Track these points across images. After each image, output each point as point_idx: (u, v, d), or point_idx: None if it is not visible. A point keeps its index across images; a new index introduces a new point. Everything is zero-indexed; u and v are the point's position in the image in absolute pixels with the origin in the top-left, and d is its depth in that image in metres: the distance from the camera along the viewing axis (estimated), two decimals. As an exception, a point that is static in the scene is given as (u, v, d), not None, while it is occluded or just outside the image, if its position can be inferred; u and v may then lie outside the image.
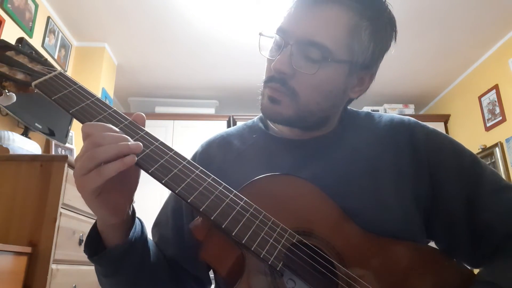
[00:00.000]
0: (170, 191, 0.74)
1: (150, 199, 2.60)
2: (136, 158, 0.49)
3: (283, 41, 0.62)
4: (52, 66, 0.61)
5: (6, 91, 0.60)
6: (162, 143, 0.54)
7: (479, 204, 0.62)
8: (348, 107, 0.75)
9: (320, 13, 0.61)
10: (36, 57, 0.61)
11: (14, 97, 0.62)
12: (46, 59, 0.62)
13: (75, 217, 1.70)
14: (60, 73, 0.59)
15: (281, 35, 0.63)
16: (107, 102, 3.37)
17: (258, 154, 0.69)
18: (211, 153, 0.73)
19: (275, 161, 0.66)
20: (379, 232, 0.58)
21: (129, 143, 0.49)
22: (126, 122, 0.55)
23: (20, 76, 0.58)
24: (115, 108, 0.57)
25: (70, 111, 0.54)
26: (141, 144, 0.50)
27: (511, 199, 0.62)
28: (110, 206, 0.52)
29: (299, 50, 0.61)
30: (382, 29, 0.65)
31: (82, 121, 0.53)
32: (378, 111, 3.94)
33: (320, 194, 0.59)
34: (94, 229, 0.57)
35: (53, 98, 0.54)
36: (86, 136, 0.49)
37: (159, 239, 0.72)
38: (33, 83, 0.56)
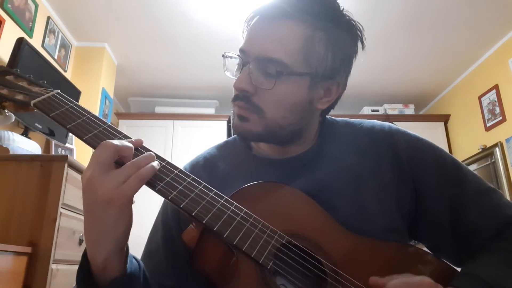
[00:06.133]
0: (157, 215, 0.75)
1: (151, 202, 2.60)
2: None
3: (242, 61, 0.64)
4: (49, 87, 0.64)
5: (6, 111, 0.63)
6: (154, 154, 0.57)
7: (463, 207, 0.64)
8: (327, 117, 0.75)
9: (274, 30, 0.63)
10: (34, 80, 0.65)
11: (12, 117, 0.66)
12: (44, 81, 0.66)
13: (75, 217, 1.70)
14: (58, 93, 0.62)
15: (241, 55, 0.65)
16: (107, 102, 3.35)
17: (242, 176, 0.69)
18: (195, 174, 0.71)
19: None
20: None
21: (148, 154, 0.55)
22: (120, 136, 0.58)
23: (19, 96, 0.61)
24: (109, 123, 0.60)
25: (67, 127, 0.57)
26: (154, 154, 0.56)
27: (493, 201, 0.64)
28: (131, 219, 0.52)
29: (257, 67, 0.62)
30: (339, 38, 0.65)
31: (78, 136, 0.57)
32: (378, 111, 3.95)
33: (306, 199, 0.61)
34: (84, 269, 0.53)
35: (51, 115, 0.58)
36: (117, 152, 0.51)
37: (152, 271, 0.68)
38: (32, 102, 0.60)
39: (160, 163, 0.56)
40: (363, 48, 0.68)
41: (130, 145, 0.54)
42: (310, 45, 0.62)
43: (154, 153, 0.57)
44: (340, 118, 0.77)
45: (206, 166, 0.73)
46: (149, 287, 0.61)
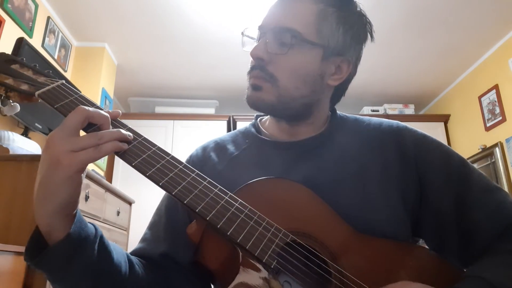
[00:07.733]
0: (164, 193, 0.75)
1: (151, 202, 2.60)
2: (128, 147, 0.54)
3: (260, 33, 0.70)
4: (55, 77, 0.63)
5: (11, 101, 0.62)
6: (159, 148, 0.57)
7: (468, 205, 0.64)
8: (338, 112, 0.77)
9: (289, 6, 0.68)
10: (40, 69, 0.64)
11: (18, 107, 0.64)
12: (49, 71, 0.65)
13: (75, 217, 1.70)
14: (63, 83, 0.61)
15: (259, 29, 0.70)
16: (107, 102, 3.35)
17: (250, 158, 0.71)
18: (205, 156, 0.75)
19: (266, 164, 0.69)
20: (368, 233, 0.60)
21: (125, 132, 0.55)
22: (125, 129, 0.57)
23: (24, 87, 0.60)
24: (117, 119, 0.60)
25: None
26: (131, 134, 0.56)
27: (499, 200, 0.64)
28: (78, 188, 0.52)
29: (273, 37, 0.67)
30: (350, 15, 0.70)
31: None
32: (378, 111, 3.95)
33: (313, 196, 0.60)
34: (36, 234, 0.52)
35: (55, 107, 0.57)
36: (87, 117, 0.53)
37: (150, 240, 0.70)
38: (37, 93, 0.59)
39: (165, 158, 0.56)
40: (371, 39, 0.73)
41: (105, 113, 0.55)
42: (322, 18, 0.67)
43: (157, 147, 0.57)
44: (350, 115, 0.79)
45: (216, 148, 0.77)
46: (122, 258, 0.58)
